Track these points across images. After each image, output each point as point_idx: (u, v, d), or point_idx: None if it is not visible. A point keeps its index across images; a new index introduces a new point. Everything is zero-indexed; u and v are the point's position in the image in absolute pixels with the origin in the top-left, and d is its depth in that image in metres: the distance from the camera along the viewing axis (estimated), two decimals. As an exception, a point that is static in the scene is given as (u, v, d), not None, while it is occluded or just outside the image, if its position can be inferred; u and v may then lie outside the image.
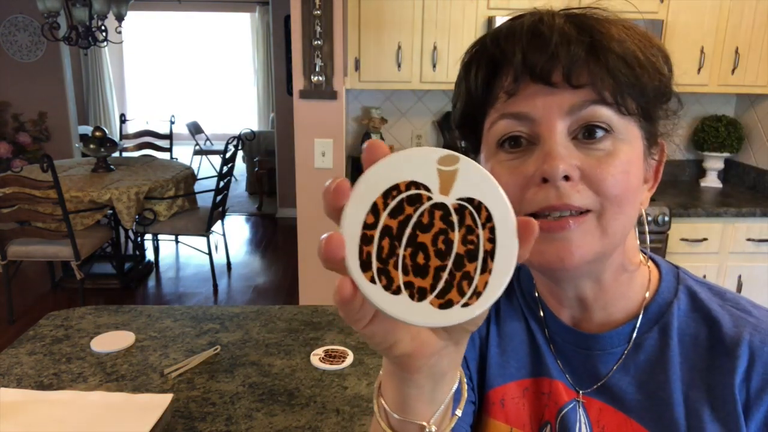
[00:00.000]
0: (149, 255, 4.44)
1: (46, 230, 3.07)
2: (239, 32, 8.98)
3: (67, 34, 3.78)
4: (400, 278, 0.31)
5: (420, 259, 0.31)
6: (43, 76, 5.27)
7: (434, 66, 2.51)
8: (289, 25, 2.28)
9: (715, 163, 2.90)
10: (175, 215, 3.72)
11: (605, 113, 0.48)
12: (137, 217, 3.50)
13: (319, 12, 2.10)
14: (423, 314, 0.31)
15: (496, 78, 0.52)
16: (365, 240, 0.31)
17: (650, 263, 0.60)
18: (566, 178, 0.47)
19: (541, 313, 0.61)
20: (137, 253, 4.22)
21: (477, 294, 0.32)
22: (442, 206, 0.32)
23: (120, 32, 4.14)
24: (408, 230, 0.31)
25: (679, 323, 0.55)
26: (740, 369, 0.51)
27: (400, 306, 0.31)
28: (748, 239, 2.51)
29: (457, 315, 0.32)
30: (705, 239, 2.49)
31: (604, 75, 0.47)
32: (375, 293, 0.31)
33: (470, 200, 0.32)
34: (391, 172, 0.31)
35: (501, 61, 0.51)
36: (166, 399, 1.02)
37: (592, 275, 0.54)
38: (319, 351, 1.24)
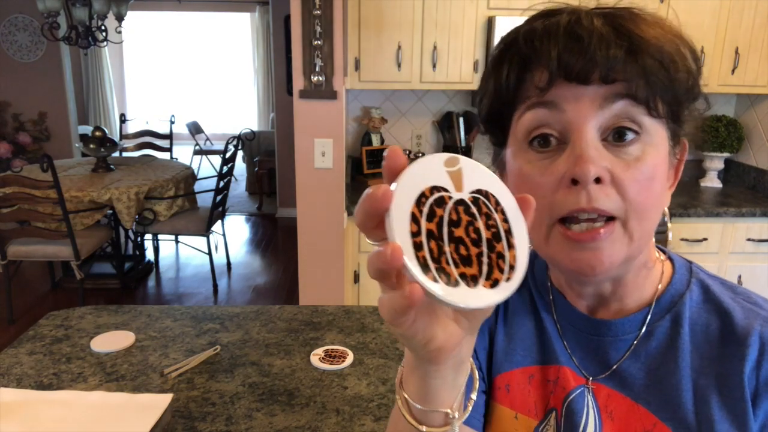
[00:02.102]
0: (149, 255, 4.44)
1: (46, 230, 3.07)
2: (239, 32, 8.97)
3: (67, 34, 3.78)
4: (454, 272, 0.35)
5: (462, 251, 0.36)
6: (43, 76, 5.26)
7: (434, 66, 2.51)
8: (289, 25, 2.28)
9: (715, 163, 2.90)
10: (175, 215, 3.72)
11: (636, 114, 0.49)
12: (137, 217, 3.50)
13: (319, 12, 2.10)
14: (481, 297, 0.36)
15: (527, 74, 0.51)
16: (417, 247, 0.35)
17: (665, 258, 0.61)
18: (597, 180, 0.48)
19: (553, 304, 0.62)
20: (137, 253, 4.22)
21: (512, 268, 0.37)
22: (462, 202, 0.37)
23: (120, 32, 4.14)
24: (445, 229, 0.36)
25: (691, 313, 0.56)
26: (750, 357, 0.52)
27: (461, 295, 0.35)
28: (748, 239, 2.51)
29: (505, 289, 0.36)
30: (705, 239, 2.49)
31: (639, 77, 0.48)
32: (439, 290, 0.34)
33: (479, 191, 0.37)
34: (414, 182, 0.35)
35: (534, 61, 0.51)
36: (166, 399, 1.02)
37: (616, 275, 0.55)
38: (319, 351, 1.24)
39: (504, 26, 2.39)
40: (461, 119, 2.82)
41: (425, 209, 0.35)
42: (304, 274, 2.39)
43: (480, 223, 0.37)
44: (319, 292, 2.41)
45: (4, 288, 3.27)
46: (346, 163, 2.74)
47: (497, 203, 0.37)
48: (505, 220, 0.37)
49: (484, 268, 0.36)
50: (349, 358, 1.22)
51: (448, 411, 0.44)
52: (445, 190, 0.36)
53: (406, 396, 0.46)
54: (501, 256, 0.37)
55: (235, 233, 5.26)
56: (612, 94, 0.48)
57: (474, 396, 0.47)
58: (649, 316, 0.57)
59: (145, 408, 1.00)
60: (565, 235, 0.49)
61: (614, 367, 0.57)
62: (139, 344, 1.27)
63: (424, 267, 0.34)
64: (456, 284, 0.35)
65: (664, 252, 0.62)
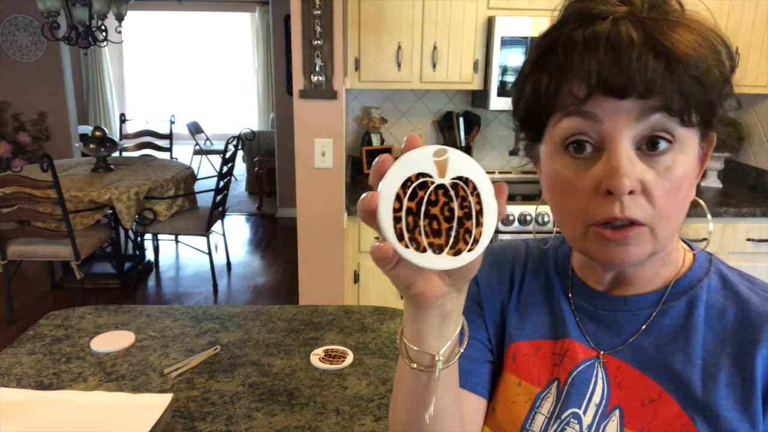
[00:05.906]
0: (149, 255, 4.44)
1: (46, 230, 3.07)
2: (239, 32, 8.97)
3: (67, 33, 3.78)
4: (424, 241, 0.44)
5: (435, 225, 0.44)
6: (43, 76, 5.26)
7: (434, 66, 2.51)
8: (289, 25, 2.28)
9: (715, 163, 2.90)
10: (175, 215, 3.72)
11: (670, 125, 0.51)
12: (137, 216, 3.50)
13: (319, 12, 2.10)
14: (443, 262, 0.44)
15: (564, 84, 0.53)
16: (396, 220, 0.44)
17: (686, 247, 0.65)
18: (630, 191, 0.51)
19: (572, 286, 0.67)
20: (137, 253, 4.22)
21: (476, 241, 0.45)
22: (442, 186, 0.44)
23: (120, 32, 4.14)
24: (423, 207, 0.44)
25: (708, 297, 0.60)
26: (766, 342, 0.55)
27: (427, 259, 0.44)
28: (748, 239, 2.51)
29: (465, 257, 0.45)
30: (705, 239, 2.49)
31: (675, 91, 0.50)
32: (409, 254, 0.44)
33: (460, 177, 0.44)
34: (403, 169, 0.44)
35: (572, 72, 0.52)
36: (166, 399, 1.02)
37: (640, 264, 0.58)
38: (319, 351, 1.24)
39: (504, 26, 2.39)
40: (461, 119, 2.82)
41: (408, 191, 0.44)
42: (304, 274, 2.39)
43: (455, 204, 0.44)
44: (319, 292, 2.41)
45: (4, 288, 3.27)
46: (346, 163, 2.74)
47: (474, 188, 0.44)
48: (479, 203, 0.44)
49: (451, 240, 0.44)
50: (349, 358, 1.22)
51: (434, 354, 0.51)
52: (429, 176, 0.44)
53: (404, 339, 0.53)
54: (468, 231, 0.44)
55: (235, 233, 5.26)
56: (648, 108, 0.50)
57: (462, 349, 0.53)
58: (665, 296, 0.60)
59: (145, 408, 1.00)
60: (601, 235, 0.53)
61: (626, 341, 0.61)
62: (139, 344, 1.27)
63: (399, 236, 0.43)
64: (424, 251, 0.44)
65: (687, 244, 0.65)
